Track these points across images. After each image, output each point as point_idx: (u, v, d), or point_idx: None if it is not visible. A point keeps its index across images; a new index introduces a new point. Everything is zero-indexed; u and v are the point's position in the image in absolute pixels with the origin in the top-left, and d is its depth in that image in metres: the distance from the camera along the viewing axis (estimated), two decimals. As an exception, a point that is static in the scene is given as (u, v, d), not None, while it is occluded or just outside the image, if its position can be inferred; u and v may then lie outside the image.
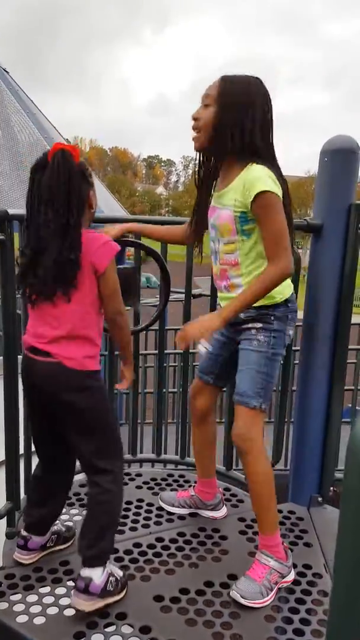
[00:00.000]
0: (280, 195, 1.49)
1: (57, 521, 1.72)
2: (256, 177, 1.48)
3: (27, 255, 1.41)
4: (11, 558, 1.68)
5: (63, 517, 1.85)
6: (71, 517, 1.90)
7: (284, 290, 1.60)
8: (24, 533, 1.64)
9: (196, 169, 1.67)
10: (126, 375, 1.63)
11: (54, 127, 6.35)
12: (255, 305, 1.56)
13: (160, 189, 79.41)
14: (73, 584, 1.50)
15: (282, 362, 1.71)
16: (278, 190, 1.49)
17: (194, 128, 1.58)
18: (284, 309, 1.60)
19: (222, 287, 1.67)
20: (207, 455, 1.92)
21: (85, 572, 1.45)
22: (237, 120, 1.50)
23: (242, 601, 1.50)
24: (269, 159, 1.54)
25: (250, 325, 1.60)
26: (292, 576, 1.63)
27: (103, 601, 1.46)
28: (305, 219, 1.92)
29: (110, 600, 1.48)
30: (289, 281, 1.61)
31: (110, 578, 1.48)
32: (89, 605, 1.43)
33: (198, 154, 1.65)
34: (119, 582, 1.51)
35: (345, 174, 1.90)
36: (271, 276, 1.49)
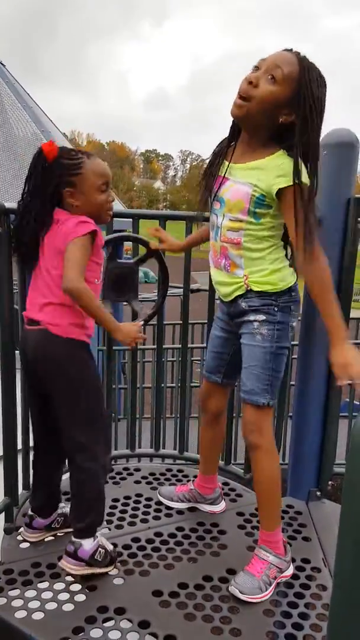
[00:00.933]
0: (315, 189, 1.47)
1: (64, 503, 1.77)
2: (291, 167, 1.42)
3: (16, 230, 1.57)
4: (10, 553, 1.68)
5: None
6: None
7: (287, 277, 1.55)
8: (30, 513, 1.73)
9: (230, 138, 1.58)
10: (118, 339, 1.56)
11: (51, 121, 6.31)
12: (257, 290, 1.53)
13: (158, 184, 79.19)
14: (72, 579, 1.55)
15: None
16: (311, 185, 1.45)
17: (243, 94, 1.43)
18: (287, 298, 1.55)
19: (221, 265, 1.59)
20: (213, 454, 1.92)
21: (75, 538, 1.56)
22: (305, 113, 1.41)
23: (241, 596, 1.50)
24: (310, 156, 1.46)
25: (252, 317, 1.54)
26: (290, 571, 1.63)
27: (90, 569, 1.55)
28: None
29: (98, 570, 1.56)
30: (291, 269, 1.57)
31: (100, 549, 1.56)
32: (75, 569, 1.54)
33: (232, 123, 1.55)
34: (108, 555, 1.58)
35: (344, 167, 1.88)
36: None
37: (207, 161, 1.65)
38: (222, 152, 1.59)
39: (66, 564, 1.54)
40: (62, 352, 1.51)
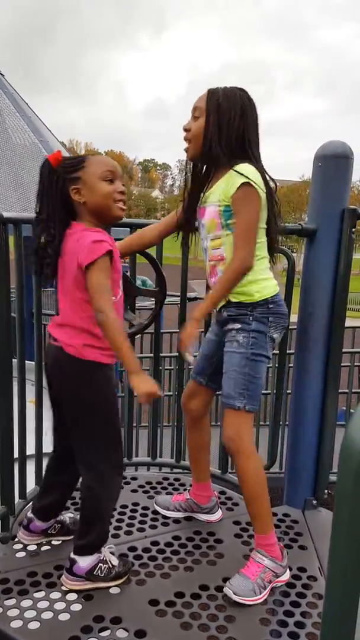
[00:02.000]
0: (261, 194, 1.54)
1: (65, 512, 1.79)
2: (242, 169, 1.53)
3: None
4: (6, 562, 1.68)
5: (72, 511, 1.89)
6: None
7: (264, 290, 1.61)
8: (29, 515, 1.74)
9: (187, 177, 1.72)
10: (132, 386, 1.42)
11: (50, 131, 6.34)
12: (234, 300, 1.61)
13: (156, 193, 79.49)
14: (67, 589, 1.57)
15: (275, 365, 1.70)
16: (260, 187, 1.54)
17: (185, 139, 1.65)
18: (263, 310, 1.60)
19: (212, 283, 1.68)
20: (202, 458, 1.92)
21: (73, 555, 1.56)
22: (225, 130, 1.55)
23: (235, 598, 1.52)
24: (254, 161, 1.59)
25: (230, 326, 1.63)
26: (287, 576, 1.64)
27: (92, 584, 1.55)
28: (299, 224, 1.93)
29: (102, 584, 1.55)
30: (272, 281, 1.64)
31: (101, 565, 1.56)
32: (72, 584, 1.55)
33: (189, 163, 1.70)
34: (113, 570, 1.57)
35: (339, 179, 1.91)
36: (232, 268, 1.55)
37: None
38: (201, 184, 1.70)
39: (64, 579, 1.56)
40: (73, 373, 1.51)
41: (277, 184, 1.62)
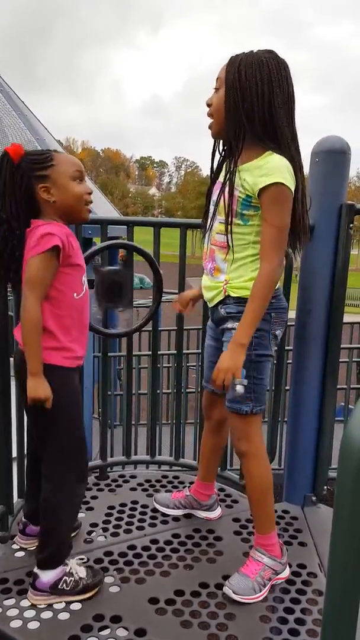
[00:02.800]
0: (292, 190, 1.43)
1: None
2: (275, 167, 1.41)
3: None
4: (5, 562, 1.67)
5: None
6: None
7: None
8: (23, 519, 1.72)
9: (211, 157, 1.59)
10: (28, 385, 1.39)
11: (46, 129, 6.33)
12: (233, 295, 1.52)
13: (153, 190, 79.44)
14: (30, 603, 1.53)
15: (274, 361, 1.68)
16: (292, 185, 1.43)
17: (208, 115, 1.52)
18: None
19: (207, 269, 1.59)
20: (214, 460, 1.92)
21: (35, 569, 1.52)
22: (247, 101, 1.40)
23: (234, 596, 1.51)
24: (288, 145, 1.44)
25: (230, 325, 1.54)
26: (286, 573, 1.63)
27: (57, 598, 1.49)
28: (297, 219, 1.92)
29: (68, 598, 1.50)
30: None
31: (66, 578, 1.50)
32: (37, 599, 1.49)
33: (213, 142, 1.57)
34: (80, 583, 1.51)
35: (336, 174, 1.90)
36: (266, 277, 1.44)
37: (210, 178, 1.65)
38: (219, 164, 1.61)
39: (30, 596, 1.49)
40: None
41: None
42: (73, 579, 1.51)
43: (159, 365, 4.42)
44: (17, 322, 1.62)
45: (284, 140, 1.44)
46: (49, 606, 1.48)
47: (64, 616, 1.45)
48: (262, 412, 1.60)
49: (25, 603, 1.49)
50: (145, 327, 2.07)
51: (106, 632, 1.41)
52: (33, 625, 1.42)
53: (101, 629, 1.41)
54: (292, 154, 1.45)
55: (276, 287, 1.54)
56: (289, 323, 2.02)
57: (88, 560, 1.67)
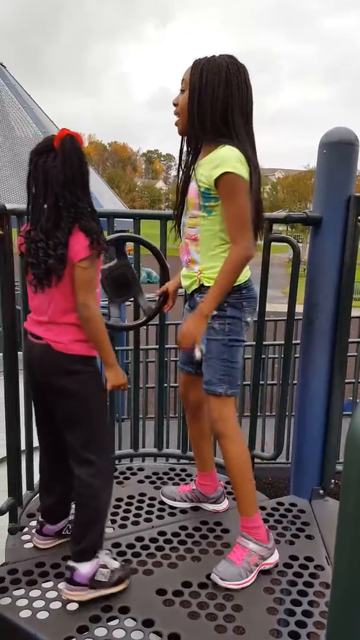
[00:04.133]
0: (246, 178, 1.49)
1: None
2: (224, 157, 1.48)
3: (31, 240, 1.43)
4: (14, 553, 1.69)
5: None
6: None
7: None
8: (40, 519, 1.70)
9: (179, 153, 1.67)
10: (107, 378, 1.53)
11: (52, 122, 6.31)
12: (206, 285, 1.59)
13: (160, 184, 79.19)
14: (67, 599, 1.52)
15: (281, 355, 1.69)
16: (244, 173, 1.49)
17: (174, 113, 1.61)
18: (237, 296, 1.59)
19: (184, 261, 1.67)
20: (204, 447, 1.93)
21: (70, 563, 1.50)
22: (206, 102, 1.49)
23: (221, 583, 1.54)
24: (243, 141, 1.52)
25: None
26: (274, 558, 1.65)
27: (96, 592, 1.48)
28: (304, 212, 1.91)
29: (105, 592, 1.48)
30: (245, 268, 1.61)
31: (101, 569, 1.49)
32: (77, 595, 1.47)
33: (180, 139, 1.65)
34: (115, 574, 1.50)
35: (344, 166, 1.88)
36: (233, 258, 1.51)
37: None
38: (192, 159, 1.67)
39: (67, 592, 1.47)
40: (68, 369, 1.46)
41: (280, 172, 1.59)
42: (108, 569, 1.50)
43: (165, 359, 4.43)
44: (24, 315, 1.63)
45: (239, 139, 1.52)
46: (59, 596, 1.50)
47: (72, 606, 1.47)
48: (235, 395, 1.68)
49: (34, 593, 1.51)
50: (150, 320, 2.07)
51: (114, 622, 1.42)
52: (42, 615, 1.44)
53: (109, 619, 1.43)
54: (246, 152, 1.51)
55: (247, 277, 1.64)
56: (297, 317, 2.03)
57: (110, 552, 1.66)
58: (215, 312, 1.58)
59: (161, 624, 1.41)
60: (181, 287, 1.80)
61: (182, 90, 1.57)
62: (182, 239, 1.68)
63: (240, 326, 1.62)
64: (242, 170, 1.49)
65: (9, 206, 1.63)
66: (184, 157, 1.65)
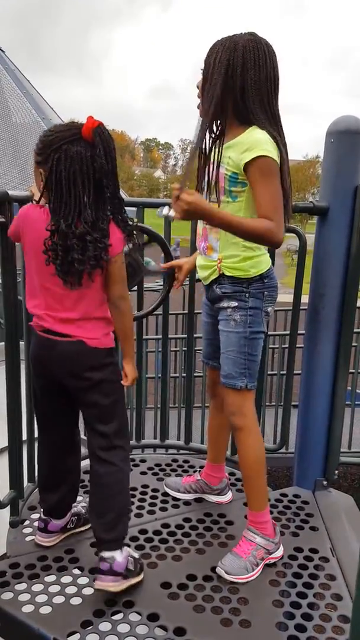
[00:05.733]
0: (278, 162, 1.46)
1: (77, 503, 1.72)
2: (255, 141, 1.44)
3: (61, 232, 1.35)
4: (16, 547, 1.67)
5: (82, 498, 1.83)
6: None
7: (260, 265, 1.57)
8: (43, 517, 1.66)
9: (200, 136, 1.59)
10: (127, 371, 1.55)
11: (52, 108, 6.22)
12: (229, 275, 1.55)
13: (158, 173, 78.65)
14: (80, 572, 1.53)
15: (281, 346, 1.67)
16: (276, 156, 1.45)
17: (198, 96, 1.56)
18: (259, 285, 1.57)
19: (201, 248, 1.63)
20: (222, 439, 1.92)
21: (106, 553, 1.45)
22: (226, 83, 1.45)
23: (226, 577, 1.53)
24: (269, 122, 1.48)
25: (225, 304, 1.58)
26: (280, 552, 1.64)
27: (127, 582, 1.46)
28: (311, 201, 1.88)
29: (133, 581, 1.48)
30: (266, 257, 1.60)
31: (130, 558, 1.50)
32: (116, 585, 1.43)
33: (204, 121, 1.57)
34: (137, 563, 1.51)
35: (351, 155, 1.85)
36: (265, 225, 1.43)
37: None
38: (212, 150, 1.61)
39: (106, 584, 1.42)
40: (103, 362, 1.48)
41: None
42: (134, 558, 1.50)
43: (169, 350, 4.40)
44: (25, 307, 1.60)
45: (259, 119, 1.47)
46: (62, 590, 1.48)
47: (76, 601, 1.45)
48: (255, 388, 1.65)
49: (37, 588, 1.50)
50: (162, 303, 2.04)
51: (119, 616, 1.41)
52: (45, 610, 1.42)
53: (114, 613, 1.41)
54: (271, 131, 1.47)
55: (269, 266, 1.60)
56: (302, 307, 2.00)
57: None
58: (236, 304, 1.57)
59: (166, 618, 1.40)
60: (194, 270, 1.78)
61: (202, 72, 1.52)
62: (201, 224, 1.62)
63: (261, 317, 1.59)
64: (274, 153, 1.45)
65: (11, 193, 1.59)
66: (206, 140, 1.57)
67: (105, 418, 1.51)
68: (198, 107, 1.57)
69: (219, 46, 1.47)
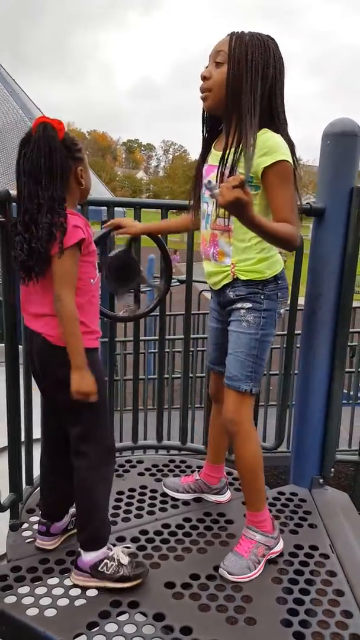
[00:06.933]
0: (293, 167, 1.47)
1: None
2: (275, 145, 1.44)
3: (17, 230, 1.40)
4: (17, 550, 1.66)
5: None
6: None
7: (274, 265, 1.56)
8: (43, 520, 1.64)
9: (203, 132, 1.60)
10: (72, 379, 1.39)
11: (38, 108, 6.17)
12: (243, 278, 1.53)
13: (140, 174, 78.54)
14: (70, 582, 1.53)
15: (284, 346, 1.69)
16: (292, 162, 1.46)
17: (203, 88, 1.51)
18: (273, 287, 1.56)
19: (209, 254, 1.60)
20: (223, 442, 1.92)
21: (79, 548, 1.51)
22: (252, 82, 1.42)
23: (230, 577, 1.54)
24: (283, 128, 1.48)
25: (239, 305, 1.56)
26: (280, 546, 1.66)
27: (97, 582, 1.47)
28: (308, 203, 1.90)
29: (107, 584, 1.47)
30: (278, 257, 1.59)
31: (107, 561, 1.48)
32: (78, 579, 1.49)
33: (205, 115, 1.58)
34: (120, 569, 1.48)
35: (347, 157, 1.87)
36: (290, 229, 1.42)
37: (199, 156, 1.65)
38: (209, 143, 1.62)
39: (72, 575, 1.50)
40: (62, 362, 1.40)
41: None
42: (114, 564, 1.48)
43: (167, 350, 4.39)
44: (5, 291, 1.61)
45: (280, 124, 1.48)
46: (66, 592, 1.48)
47: (80, 602, 1.45)
48: (257, 393, 1.65)
49: (40, 590, 1.48)
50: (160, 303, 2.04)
51: (124, 617, 1.40)
52: (50, 612, 1.41)
53: (119, 614, 1.41)
54: (288, 136, 1.48)
55: (282, 267, 1.59)
56: (298, 308, 2.02)
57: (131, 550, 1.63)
58: (250, 305, 1.55)
59: (172, 618, 1.40)
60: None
61: (218, 63, 1.46)
62: (207, 230, 1.59)
63: (274, 319, 1.58)
64: (290, 157, 1.45)
65: (12, 192, 1.57)
66: (206, 137, 1.59)
67: (69, 420, 1.49)
68: (203, 99, 1.52)
69: (249, 42, 1.42)
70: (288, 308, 1.90)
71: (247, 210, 1.30)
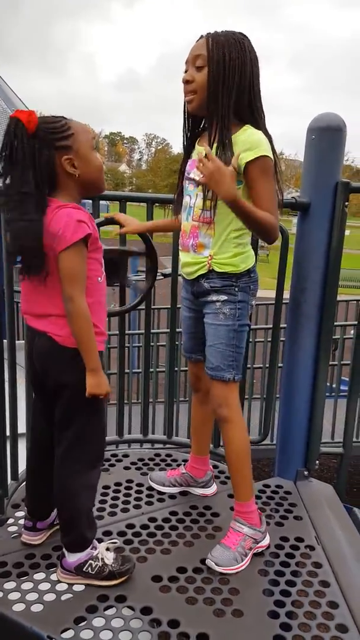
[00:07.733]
0: (274, 162, 1.52)
1: None
2: (257, 140, 1.48)
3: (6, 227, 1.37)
4: (2, 545, 1.64)
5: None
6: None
7: (247, 260, 1.61)
8: (29, 516, 1.63)
9: (186, 131, 1.64)
10: (88, 381, 1.36)
11: (20, 100, 6.08)
12: (218, 270, 1.57)
13: (123, 167, 77.98)
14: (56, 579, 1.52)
15: (267, 339, 1.70)
16: (272, 155, 1.51)
17: (187, 92, 1.55)
18: (246, 279, 1.61)
19: (188, 245, 1.62)
20: (206, 431, 1.94)
21: (64, 549, 1.51)
22: (231, 80, 1.47)
23: (217, 568, 1.55)
24: (263, 123, 1.53)
25: (214, 297, 1.60)
26: (266, 541, 1.68)
27: (83, 580, 1.48)
28: (294, 197, 1.91)
29: (94, 582, 1.47)
30: (252, 252, 1.64)
31: (91, 561, 1.47)
32: (62, 577, 1.49)
33: (187, 116, 1.61)
34: (105, 569, 1.47)
35: (332, 151, 1.88)
36: (272, 219, 1.49)
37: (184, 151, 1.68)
38: (192, 139, 1.65)
39: (58, 573, 1.50)
40: (67, 363, 1.38)
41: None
42: (99, 564, 1.47)
43: (152, 344, 4.37)
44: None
45: (259, 118, 1.53)
46: (52, 587, 1.47)
47: (67, 597, 1.44)
48: (240, 380, 1.68)
49: (26, 586, 1.48)
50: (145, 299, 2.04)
51: (112, 611, 1.40)
52: (36, 608, 1.40)
53: (106, 608, 1.41)
54: (265, 128, 1.53)
55: (253, 262, 1.65)
56: (284, 301, 2.03)
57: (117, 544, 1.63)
58: (225, 297, 1.58)
59: (159, 611, 1.41)
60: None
61: (199, 67, 1.50)
62: (188, 222, 1.62)
63: (247, 310, 1.64)
64: (271, 153, 1.50)
65: None
66: (189, 137, 1.62)
67: (60, 424, 1.45)
68: (188, 102, 1.56)
69: (225, 42, 1.46)
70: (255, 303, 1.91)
71: (229, 186, 1.39)
